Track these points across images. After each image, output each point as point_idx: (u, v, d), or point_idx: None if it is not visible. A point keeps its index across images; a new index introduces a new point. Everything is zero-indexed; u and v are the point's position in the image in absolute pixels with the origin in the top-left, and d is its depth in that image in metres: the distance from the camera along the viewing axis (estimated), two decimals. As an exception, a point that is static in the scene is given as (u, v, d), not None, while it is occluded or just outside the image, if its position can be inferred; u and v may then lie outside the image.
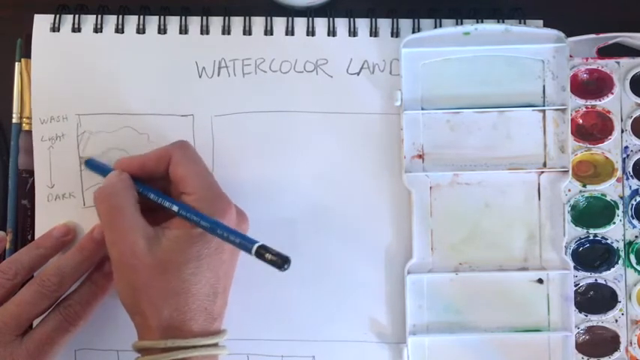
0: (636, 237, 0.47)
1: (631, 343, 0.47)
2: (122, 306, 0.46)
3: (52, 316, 0.43)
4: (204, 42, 0.47)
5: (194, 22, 0.47)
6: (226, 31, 0.47)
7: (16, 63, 0.47)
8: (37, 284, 0.42)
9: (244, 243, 0.38)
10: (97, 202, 0.41)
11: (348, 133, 0.47)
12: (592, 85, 0.48)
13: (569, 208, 0.47)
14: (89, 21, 0.47)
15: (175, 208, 0.40)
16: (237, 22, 0.47)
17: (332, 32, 0.47)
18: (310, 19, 0.47)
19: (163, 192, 0.42)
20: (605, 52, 0.47)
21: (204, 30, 0.47)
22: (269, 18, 0.47)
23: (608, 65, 0.47)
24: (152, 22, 0.47)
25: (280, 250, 0.37)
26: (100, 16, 0.47)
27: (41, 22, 0.47)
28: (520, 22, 0.47)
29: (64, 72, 0.47)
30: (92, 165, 0.45)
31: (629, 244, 0.47)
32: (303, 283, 0.46)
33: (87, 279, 0.45)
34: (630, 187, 0.47)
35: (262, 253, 0.37)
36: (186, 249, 0.39)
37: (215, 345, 0.39)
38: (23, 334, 0.42)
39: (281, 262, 0.36)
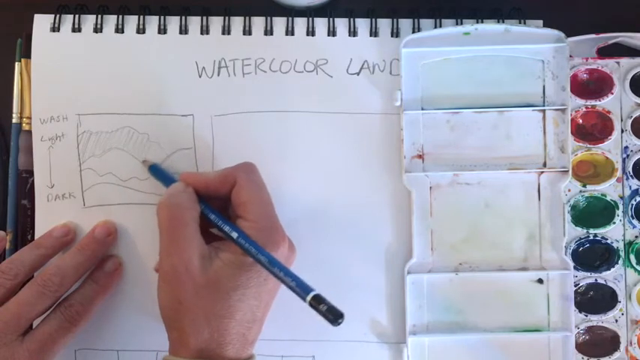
0: (636, 237, 0.47)
1: (631, 343, 0.47)
2: (122, 306, 0.47)
3: (53, 315, 0.43)
4: (204, 42, 0.47)
5: (194, 22, 0.47)
6: (226, 31, 0.47)
7: (16, 63, 0.47)
8: (37, 284, 0.42)
9: (299, 289, 0.37)
10: (160, 208, 0.41)
11: (348, 133, 0.47)
12: (592, 85, 0.48)
13: (569, 208, 0.47)
14: (89, 21, 0.47)
15: (235, 235, 0.40)
16: (237, 22, 0.47)
17: (332, 32, 0.47)
18: (310, 19, 0.47)
19: (219, 211, 0.42)
20: (605, 52, 0.48)
21: (204, 30, 0.47)
22: (269, 18, 0.47)
23: (608, 65, 0.47)
24: (152, 22, 0.47)
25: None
26: (100, 16, 0.47)
27: (41, 22, 0.47)
28: (520, 22, 0.47)
29: (64, 72, 0.47)
30: (155, 171, 0.45)
31: (629, 244, 0.47)
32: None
33: (88, 278, 0.45)
34: (630, 187, 0.47)
35: (316, 303, 0.37)
36: (237, 275, 0.39)
37: None
38: (24, 333, 0.41)
39: (334, 316, 0.36)
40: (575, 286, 0.46)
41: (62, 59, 0.47)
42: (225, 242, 0.41)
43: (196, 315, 0.38)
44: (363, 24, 0.47)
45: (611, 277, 0.47)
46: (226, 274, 0.39)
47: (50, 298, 0.42)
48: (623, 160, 0.47)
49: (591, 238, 0.47)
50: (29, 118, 0.47)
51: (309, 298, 0.37)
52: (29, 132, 0.47)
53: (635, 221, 0.47)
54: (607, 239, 0.47)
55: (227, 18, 0.47)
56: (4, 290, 0.42)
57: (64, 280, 0.43)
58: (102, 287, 0.45)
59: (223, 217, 0.41)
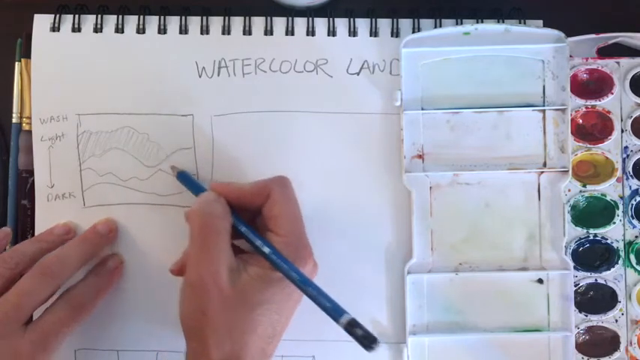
0: (636, 237, 0.47)
1: (631, 343, 0.47)
2: (121, 306, 0.47)
3: (56, 306, 0.42)
4: (204, 42, 0.47)
5: (194, 22, 0.47)
6: (226, 31, 0.47)
7: (16, 63, 0.47)
8: (37, 272, 0.41)
9: (334, 311, 0.37)
10: (192, 216, 0.40)
11: (348, 133, 0.47)
12: (592, 85, 0.48)
13: (569, 208, 0.47)
14: (89, 21, 0.47)
15: (266, 250, 0.39)
16: (237, 22, 0.47)
17: (332, 32, 0.47)
18: (310, 19, 0.47)
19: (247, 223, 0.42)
20: (605, 52, 0.47)
21: (204, 30, 0.47)
22: (269, 18, 0.47)
23: (608, 65, 0.47)
24: (152, 22, 0.47)
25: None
26: (100, 16, 0.47)
27: (41, 22, 0.47)
28: (520, 22, 0.47)
29: (64, 72, 0.47)
30: (184, 178, 0.45)
31: (629, 244, 0.47)
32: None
33: (90, 273, 0.45)
34: (630, 187, 0.47)
35: (350, 327, 0.36)
36: (263, 290, 0.39)
37: None
38: (26, 324, 0.41)
39: (368, 342, 0.36)
40: (575, 286, 0.46)
41: (62, 59, 0.47)
42: (253, 255, 0.40)
43: (220, 327, 0.38)
44: (363, 24, 0.47)
45: (611, 277, 0.47)
46: (253, 288, 0.39)
47: (50, 286, 0.42)
48: (623, 160, 0.47)
49: (591, 238, 0.47)
50: (29, 118, 0.47)
51: (343, 321, 0.37)
52: (29, 132, 0.47)
53: (635, 221, 0.47)
54: (607, 239, 0.47)
55: (227, 18, 0.47)
56: (4, 280, 0.41)
57: (65, 267, 0.42)
58: (104, 282, 0.45)
59: (254, 230, 0.41)
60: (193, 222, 0.40)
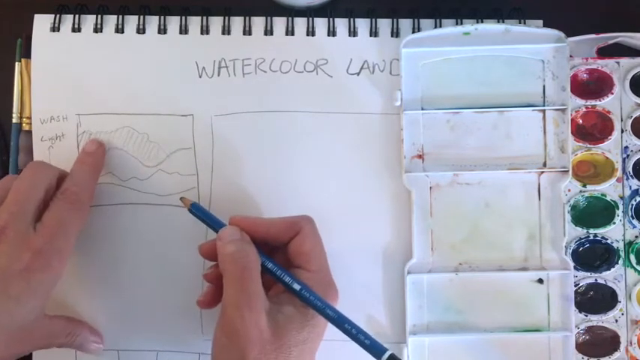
0: (636, 237, 0.47)
1: (631, 343, 0.47)
2: (121, 306, 0.47)
3: (53, 204, 0.41)
4: (204, 42, 0.47)
5: (194, 22, 0.47)
6: (226, 31, 0.47)
7: (16, 63, 0.47)
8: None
9: (375, 349, 0.37)
10: (229, 259, 0.39)
11: (348, 133, 0.47)
12: (592, 85, 0.48)
13: (569, 208, 0.47)
14: (89, 21, 0.47)
15: (297, 287, 0.39)
16: (237, 22, 0.47)
17: (332, 32, 0.47)
18: (310, 19, 0.47)
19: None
20: (605, 52, 0.47)
21: (204, 30, 0.47)
22: (269, 18, 0.47)
23: (608, 65, 0.47)
24: (152, 22, 0.47)
25: None
26: (100, 16, 0.47)
27: (41, 22, 0.47)
28: (520, 22, 0.47)
29: (64, 72, 0.47)
30: (198, 210, 0.43)
31: (629, 244, 0.47)
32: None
33: (75, 162, 0.44)
34: (630, 187, 0.47)
35: None
36: (298, 330, 0.39)
37: None
38: (34, 221, 0.40)
39: None
40: (575, 286, 0.46)
41: (62, 59, 0.47)
42: (282, 294, 0.40)
43: None
44: (363, 24, 0.47)
45: (611, 277, 0.47)
46: (289, 329, 0.38)
47: (45, 178, 0.42)
48: (623, 160, 0.47)
49: (591, 238, 0.47)
50: (29, 118, 0.47)
51: (385, 358, 0.37)
52: (29, 132, 0.47)
53: (635, 221, 0.47)
54: (607, 239, 0.47)
55: (227, 18, 0.47)
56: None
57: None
58: (90, 166, 0.44)
59: (282, 267, 0.40)
60: (231, 266, 0.39)
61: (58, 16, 0.47)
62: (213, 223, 0.42)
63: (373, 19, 0.47)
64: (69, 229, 0.41)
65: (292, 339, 0.38)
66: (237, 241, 0.40)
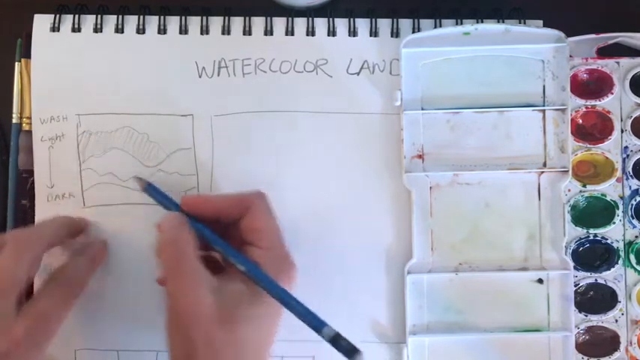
0: (636, 237, 0.47)
1: (631, 343, 0.47)
2: (121, 306, 0.47)
3: (46, 288, 0.41)
4: (204, 42, 0.47)
5: (194, 22, 0.47)
6: (226, 31, 0.47)
7: (16, 63, 0.47)
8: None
9: (317, 325, 0.37)
10: (161, 250, 0.39)
11: (348, 133, 0.47)
12: (592, 85, 0.48)
13: (569, 208, 0.47)
14: (89, 21, 0.47)
15: (243, 269, 0.38)
16: (237, 22, 0.47)
17: (332, 32, 0.47)
18: (310, 19, 0.47)
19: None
20: (605, 52, 0.48)
21: (204, 30, 0.47)
22: (269, 18, 0.47)
23: (608, 65, 0.47)
24: (152, 22, 0.47)
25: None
26: (100, 16, 0.47)
27: (41, 22, 0.47)
28: (520, 22, 0.47)
29: (64, 72, 0.47)
30: (152, 190, 0.43)
31: (629, 244, 0.47)
32: (302, 283, 0.46)
33: (76, 252, 0.44)
34: (630, 187, 0.47)
35: (334, 341, 0.37)
36: (248, 306, 0.38)
37: None
38: (18, 305, 0.39)
39: (350, 352, 0.36)
40: (575, 286, 0.46)
41: (62, 59, 0.47)
42: (233, 271, 0.39)
43: (209, 352, 0.36)
44: (363, 24, 0.47)
45: (611, 277, 0.47)
46: (238, 305, 0.38)
47: (29, 257, 0.40)
48: (623, 160, 0.47)
49: (591, 238, 0.47)
50: (29, 118, 0.47)
51: (329, 336, 0.37)
52: (29, 132, 0.47)
53: (635, 221, 0.47)
54: (607, 239, 0.47)
55: (227, 18, 0.47)
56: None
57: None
58: (90, 260, 0.44)
59: (231, 246, 0.40)
60: (163, 254, 0.39)
61: (58, 16, 0.47)
62: (170, 205, 0.42)
63: (373, 19, 0.47)
64: (52, 325, 0.40)
65: (241, 313, 0.37)
66: (166, 230, 0.39)
